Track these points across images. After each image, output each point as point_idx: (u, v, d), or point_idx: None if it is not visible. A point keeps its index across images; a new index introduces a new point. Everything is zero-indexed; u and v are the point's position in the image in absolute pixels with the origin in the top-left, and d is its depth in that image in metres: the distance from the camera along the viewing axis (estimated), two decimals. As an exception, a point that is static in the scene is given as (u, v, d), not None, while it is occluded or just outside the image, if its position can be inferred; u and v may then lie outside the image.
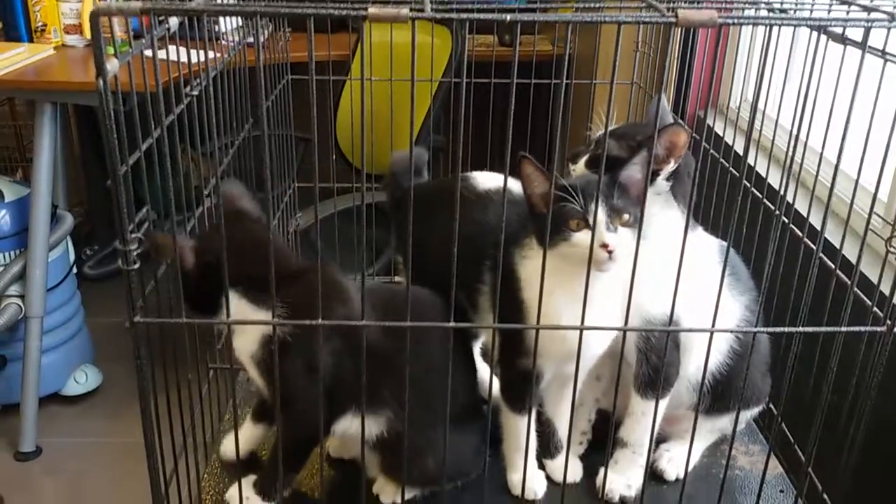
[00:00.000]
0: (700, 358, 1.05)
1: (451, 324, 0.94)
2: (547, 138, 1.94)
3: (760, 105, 1.10)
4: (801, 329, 1.00)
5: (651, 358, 1.05)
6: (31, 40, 2.64)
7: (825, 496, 1.08)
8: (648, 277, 0.97)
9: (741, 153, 1.17)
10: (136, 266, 0.86)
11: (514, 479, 1.13)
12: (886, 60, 0.92)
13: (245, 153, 1.53)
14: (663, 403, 1.10)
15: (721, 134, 1.69)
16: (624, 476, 1.11)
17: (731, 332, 1.10)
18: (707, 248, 1.12)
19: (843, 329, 0.98)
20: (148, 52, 0.86)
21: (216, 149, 1.00)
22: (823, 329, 0.99)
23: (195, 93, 1.06)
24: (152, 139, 0.91)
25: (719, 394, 1.13)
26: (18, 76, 2.30)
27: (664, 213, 1.06)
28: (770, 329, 1.01)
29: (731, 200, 1.02)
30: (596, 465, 1.14)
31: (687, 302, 0.99)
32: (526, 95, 1.74)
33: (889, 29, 0.79)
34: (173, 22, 0.93)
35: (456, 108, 0.80)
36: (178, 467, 1.10)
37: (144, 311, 0.90)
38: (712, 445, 1.23)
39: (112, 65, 0.77)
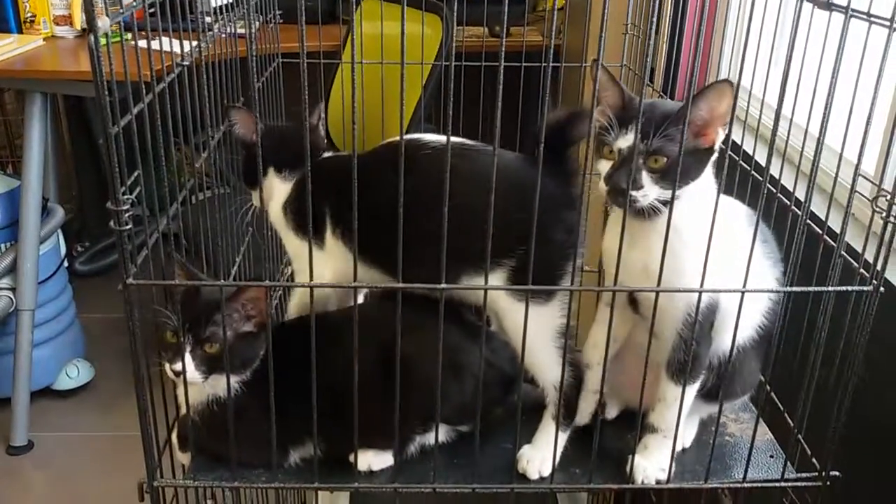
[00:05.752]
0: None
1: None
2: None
3: (745, 84, 1.10)
4: (791, 289, 1.01)
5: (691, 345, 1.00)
6: (20, 31, 2.64)
7: (814, 460, 1.09)
8: (691, 252, 0.95)
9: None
10: (129, 227, 0.86)
11: None
12: (871, 23, 0.93)
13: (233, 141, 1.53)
14: (695, 386, 1.06)
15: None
16: (656, 460, 1.08)
17: (724, 291, 1.07)
18: (737, 215, 1.05)
19: (832, 288, 0.99)
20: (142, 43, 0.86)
21: (209, 115, 1.00)
22: (813, 288, 1.00)
23: (186, 63, 1.06)
24: (143, 104, 0.92)
25: (718, 378, 1.08)
26: (7, 66, 2.30)
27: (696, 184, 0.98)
28: (761, 289, 1.02)
29: (717, 171, 1.02)
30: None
31: (726, 275, 0.96)
32: (517, 83, 1.75)
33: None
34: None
35: (446, 84, 0.81)
36: (170, 437, 1.10)
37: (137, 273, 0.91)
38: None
39: (103, 22, 0.78)
